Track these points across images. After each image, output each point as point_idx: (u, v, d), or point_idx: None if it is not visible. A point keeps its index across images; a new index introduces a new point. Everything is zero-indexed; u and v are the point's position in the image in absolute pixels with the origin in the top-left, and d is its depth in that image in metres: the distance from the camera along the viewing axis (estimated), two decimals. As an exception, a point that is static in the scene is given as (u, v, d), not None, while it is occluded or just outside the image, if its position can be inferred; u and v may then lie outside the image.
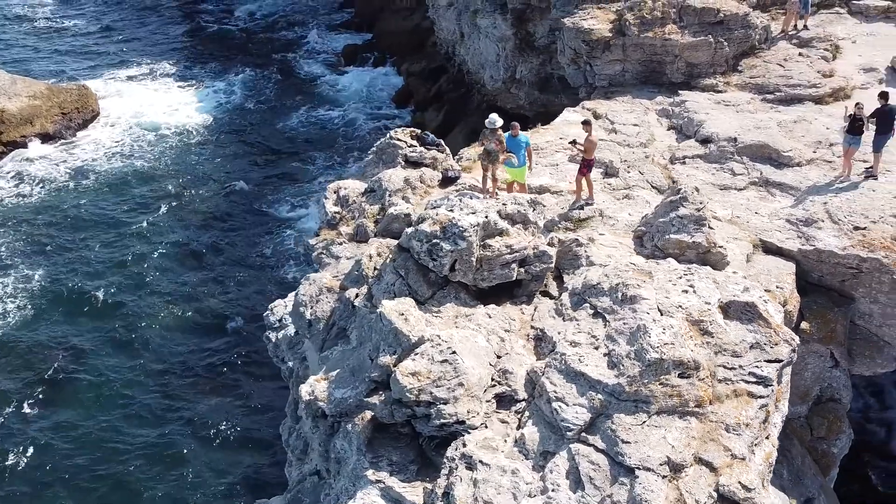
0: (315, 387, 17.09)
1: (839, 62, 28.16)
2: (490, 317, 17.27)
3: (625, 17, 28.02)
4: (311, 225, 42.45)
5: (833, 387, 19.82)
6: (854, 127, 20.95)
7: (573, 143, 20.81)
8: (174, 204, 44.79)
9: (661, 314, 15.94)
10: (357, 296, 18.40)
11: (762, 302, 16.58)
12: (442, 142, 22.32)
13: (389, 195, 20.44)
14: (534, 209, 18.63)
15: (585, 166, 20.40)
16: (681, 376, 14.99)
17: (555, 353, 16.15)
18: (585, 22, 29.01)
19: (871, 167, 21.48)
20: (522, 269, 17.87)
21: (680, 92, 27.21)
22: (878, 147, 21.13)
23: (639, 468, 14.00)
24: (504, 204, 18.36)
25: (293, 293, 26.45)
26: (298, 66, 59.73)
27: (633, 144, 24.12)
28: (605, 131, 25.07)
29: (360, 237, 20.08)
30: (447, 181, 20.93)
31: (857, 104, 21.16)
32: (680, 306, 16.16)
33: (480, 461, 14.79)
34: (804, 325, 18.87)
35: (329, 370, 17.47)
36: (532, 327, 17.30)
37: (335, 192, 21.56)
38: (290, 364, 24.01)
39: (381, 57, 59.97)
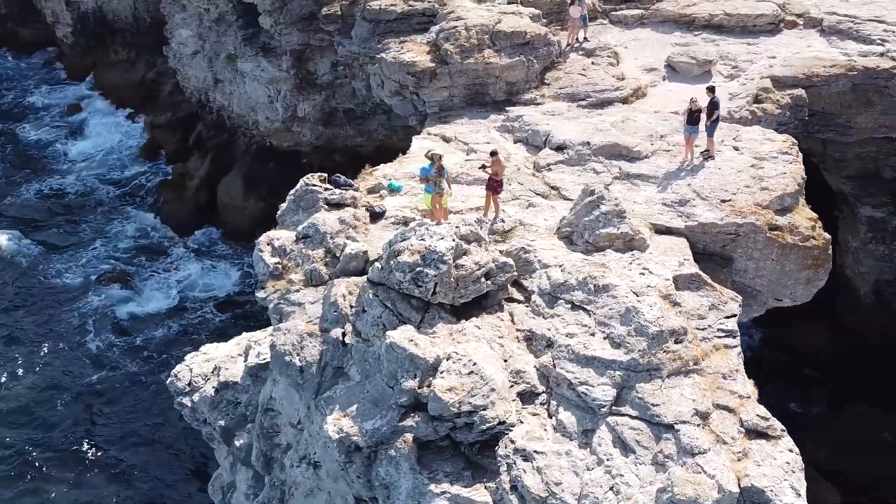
0: (340, 424, 18.01)
1: (623, 66, 32.50)
2: (479, 328, 19.11)
3: (444, 48, 30.57)
4: (120, 293, 41.61)
5: (727, 335, 23.60)
6: (692, 118, 24.98)
7: (483, 167, 23.05)
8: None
9: (638, 295, 18.69)
10: (344, 334, 19.47)
11: (701, 271, 19.90)
12: (352, 182, 23.70)
13: (331, 237, 21.58)
14: (481, 227, 20.70)
15: (499, 185, 22.70)
16: (676, 342, 17.83)
17: (556, 346, 18.36)
18: (404, 55, 31.24)
19: (706, 150, 25.63)
20: (489, 281, 19.82)
21: (508, 108, 30.21)
22: (710, 132, 25.31)
23: (676, 423, 16.64)
24: (457, 227, 20.25)
25: (192, 355, 26.62)
26: (25, 132, 56.54)
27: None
28: (464, 152, 27.46)
29: (315, 281, 21.03)
30: (375, 216, 22.43)
31: (692, 99, 25.20)
32: (648, 286, 19.03)
33: (535, 451, 16.70)
34: (705, 287, 22.39)
35: (344, 407, 18.41)
36: (517, 330, 19.33)
37: (269, 245, 22.25)
38: (222, 423, 24.31)
39: (112, 111, 58.31)
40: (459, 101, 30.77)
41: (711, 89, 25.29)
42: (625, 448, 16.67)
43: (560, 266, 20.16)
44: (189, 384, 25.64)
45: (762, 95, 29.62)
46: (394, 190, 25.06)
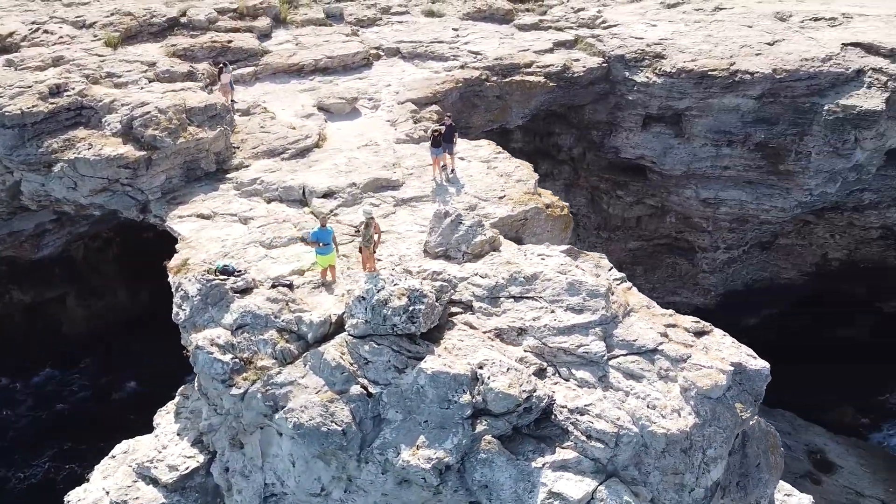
0: (423, 455, 20.36)
1: (282, 118, 35.84)
2: (462, 340, 22.68)
3: (148, 133, 30.83)
4: None
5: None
6: (435, 141, 30.22)
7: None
8: None
9: (564, 273, 23.96)
10: (365, 387, 21.52)
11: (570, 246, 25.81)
12: (238, 268, 24.46)
13: (275, 317, 22.81)
14: (406, 266, 23.96)
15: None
16: (612, 294, 23.67)
17: (532, 330, 22.80)
18: (104, 150, 30.81)
19: (443, 165, 31.07)
20: (438, 303, 23.34)
21: (228, 176, 31.80)
22: (451, 151, 30.84)
23: (657, 346, 22.49)
24: (394, 270, 23.34)
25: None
26: None
27: (279, 220, 28.91)
28: (242, 222, 29.02)
29: (288, 359, 22.16)
30: (290, 288, 23.95)
31: (433, 130, 30.34)
32: (562, 264, 24.36)
33: (585, 405, 21.35)
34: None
35: (409, 443, 20.64)
36: (484, 332, 23.22)
37: (213, 345, 22.39)
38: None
39: None
40: (178, 181, 31.50)
41: (449, 116, 30.78)
42: (635, 377, 22.00)
43: (476, 274, 24.34)
44: (96, 504, 24.26)
45: (416, 116, 35.71)
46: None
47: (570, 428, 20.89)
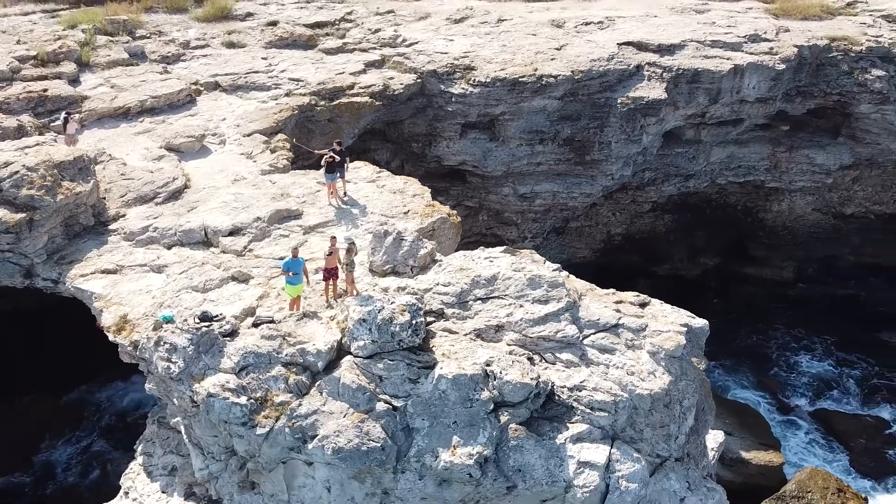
0: (463, 452, 22.01)
1: (132, 163, 34.75)
2: (454, 345, 24.39)
3: (23, 194, 28.52)
4: None
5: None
6: (330, 167, 31.20)
7: (330, 254, 25.87)
8: None
9: (518, 271, 26.22)
10: (390, 403, 22.63)
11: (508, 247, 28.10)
12: (215, 313, 24.22)
13: (276, 353, 23.12)
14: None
15: (332, 272, 26.00)
16: (566, 286, 26.33)
17: (509, 325, 24.88)
18: (-13, 217, 28.70)
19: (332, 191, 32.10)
20: (418, 315, 24.82)
21: (111, 228, 30.47)
22: (343, 175, 31.90)
23: (617, 321, 25.45)
24: (374, 287, 24.53)
25: None
26: None
27: (198, 263, 28.65)
28: (156, 271, 28.41)
29: (303, 391, 22.63)
30: (272, 322, 24.24)
31: (327, 156, 31.16)
32: (512, 262, 26.60)
33: (581, 381, 23.86)
34: (444, 271, 30.03)
35: (445, 445, 22.21)
36: (465, 335, 25.00)
37: (225, 390, 22.22)
38: None
39: None
40: (61, 240, 29.98)
41: (339, 143, 31.77)
42: (608, 351, 24.74)
43: (438, 283, 25.99)
44: None
45: (272, 146, 36.23)
46: (167, 321, 25.68)
47: (574, 404, 23.27)
